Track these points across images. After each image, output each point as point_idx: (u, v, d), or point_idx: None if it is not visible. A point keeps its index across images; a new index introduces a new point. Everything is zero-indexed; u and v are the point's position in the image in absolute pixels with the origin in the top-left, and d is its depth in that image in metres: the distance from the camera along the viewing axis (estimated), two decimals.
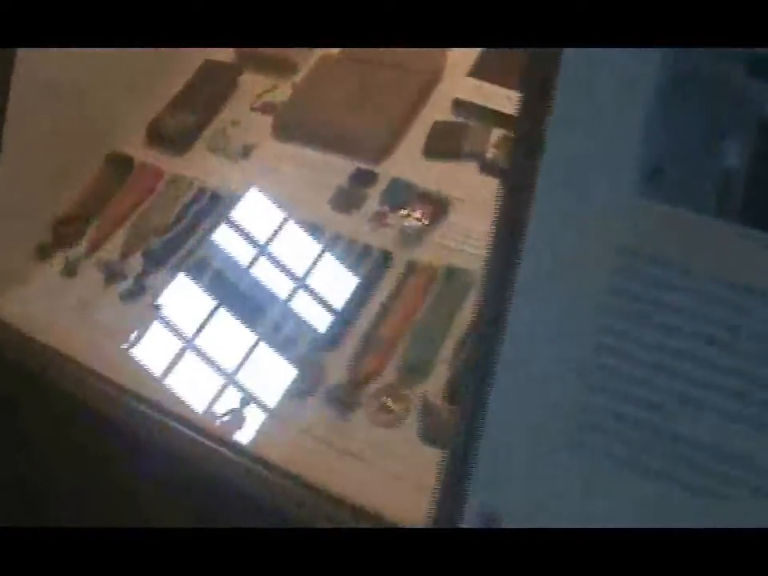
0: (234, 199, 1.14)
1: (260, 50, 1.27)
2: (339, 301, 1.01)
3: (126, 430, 1.03)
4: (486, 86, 1.17)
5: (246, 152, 1.19)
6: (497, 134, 1.11)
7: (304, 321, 1.00)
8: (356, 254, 1.04)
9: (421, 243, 1.05)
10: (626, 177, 0.70)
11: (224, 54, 1.31)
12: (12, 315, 1.13)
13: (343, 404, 0.94)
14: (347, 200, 1.10)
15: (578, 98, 0.73)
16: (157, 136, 1.23)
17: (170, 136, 1.22)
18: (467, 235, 1.05)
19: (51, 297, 1.14)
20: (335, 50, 1.25)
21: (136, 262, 1.11)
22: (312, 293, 1.02)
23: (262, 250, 1.07)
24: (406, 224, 1.05)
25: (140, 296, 1.09)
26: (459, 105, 1.16)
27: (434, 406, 0.92)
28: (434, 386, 0.94)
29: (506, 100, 1.15)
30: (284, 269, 1.05)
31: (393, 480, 0.87)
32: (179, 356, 1.04)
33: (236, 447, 0.93)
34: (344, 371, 0.96)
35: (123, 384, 1.03)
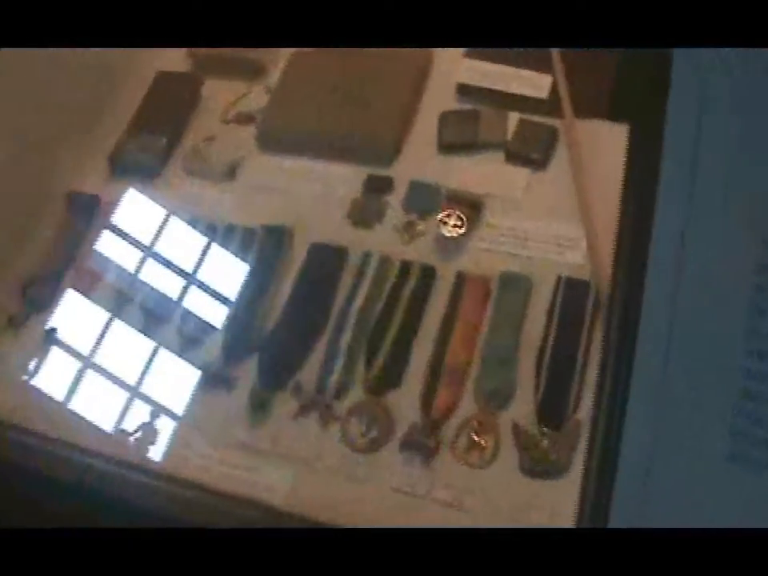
0: (230, 228, 1.00)
1: (219, 53, 1.11)
2: (390, 330, 0.89)
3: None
4: (487, 65, 1.06)
5: (231, 171, 1.03)
6: (513, 117, 1.03)
7: (354, 362, 0.88)
8: (394, 273, 0.92)
9: (463, 250, 0.93)
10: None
11: (177, 62, 1.15)
12: None
13: (423, 448, 0.83)
14: (366, 213, 0.97)
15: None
16: (122, 166, 1.06)
17: (137, 163, 1.04)
18: (510, 235, 0.94)
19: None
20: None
21: None
22: (358, 325, 0.89)
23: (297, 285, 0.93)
24: (444, 232, 0.94)
25: None
26: (463, 90, 1.04)
27: (529, 433, 0.83)
28: (521, 408, 0.84)
29: (512, 79, 1.05)
30: (320, 300, 0.91)
31: (511, 522, 0.78)
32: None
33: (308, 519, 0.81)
34: (413, 411, 0.85)
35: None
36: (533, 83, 1.03)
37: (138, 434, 0.88)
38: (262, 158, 1.04)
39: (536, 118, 1.00)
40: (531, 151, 0.97)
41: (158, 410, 0.89)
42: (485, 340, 0.87)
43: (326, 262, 0.94)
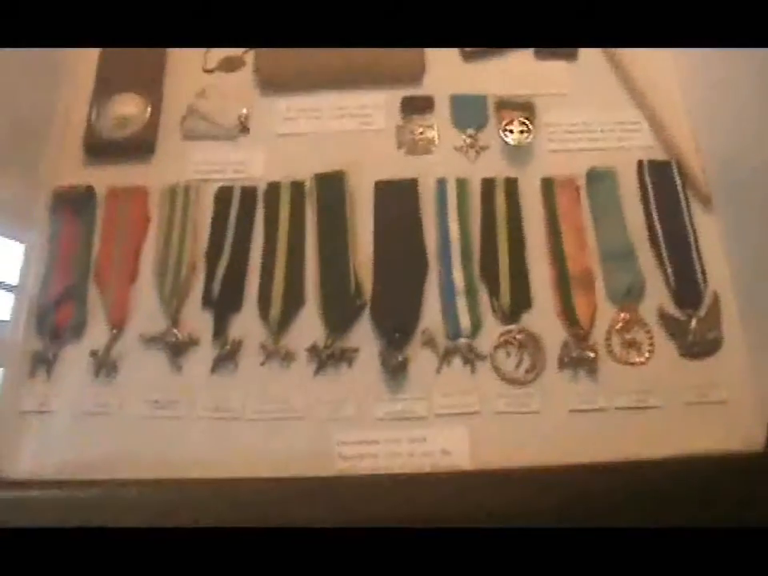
0: (273, 186, 0.85)
1: None
2: (501, 252, 0.81)
3: None
4: None
5: (243, 124, 0.89)
6: None
7: (476, 294, 0.80)
8: (478, 193, 0.85)
9: (533, 155, 0.88)
10: None
11: None
12: None
13: (584, 362, 0.77)
14: (416, 137, 0.88)
15: None
16: (102, 147, 0.86)
17: (123, 139, 0.86)
18: (574, 131, 0.89)
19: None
20: None
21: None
22: (464, 255, 0.81)
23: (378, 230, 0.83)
24: (510, 141, 0.87)
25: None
26: None
27: (678, 318, 0.81)
28: (654, 297, 0.81)
29: None
30: (411, 239, 0.81)
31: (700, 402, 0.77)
32: None
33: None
34: (554, 328, 0.79)
35: None
36: None
37: None
38: (271, 103, 0.90)
39: None
40: None
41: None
42: (598, 240, 0.83)
43: (398, 198, 0.85)
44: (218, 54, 0.93)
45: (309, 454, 0.74)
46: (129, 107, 0.88)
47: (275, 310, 0.80)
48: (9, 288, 0.81)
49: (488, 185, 0.86)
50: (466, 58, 0.93)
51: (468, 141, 0.88)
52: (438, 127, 0.90)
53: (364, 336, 0.80)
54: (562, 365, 0.78)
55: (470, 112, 0.90)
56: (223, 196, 0.86)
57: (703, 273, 0.83)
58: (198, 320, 0.80)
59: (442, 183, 0.86)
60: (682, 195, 0.87)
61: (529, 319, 0.81)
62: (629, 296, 0.82)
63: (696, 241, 0.84)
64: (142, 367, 0.78)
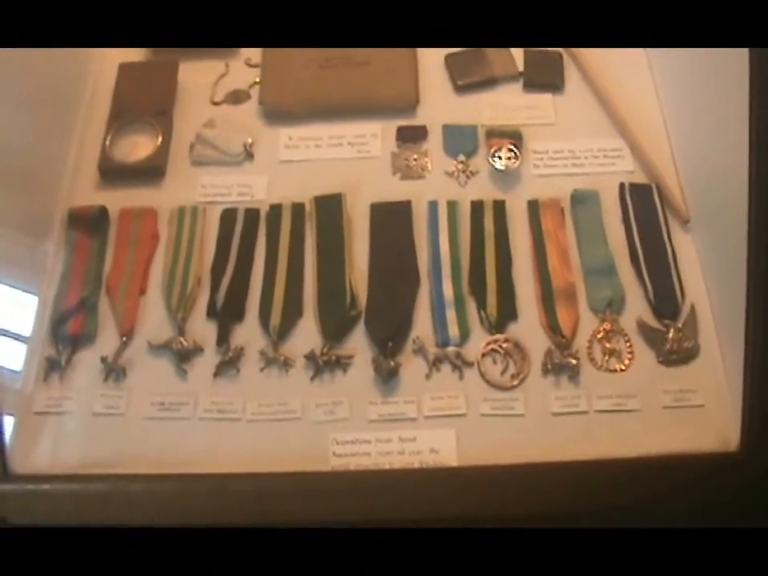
0: (276, 208, 0.97)
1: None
2: (489, 268, 0.92)
3: None
4: None
5: (249, 151, 1.01)
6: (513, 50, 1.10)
7: (465, 306, 0.91)
8: (467, 214, 0.95)
9: (520, 180, 0.99)
10: None
11: (134, 52, 1.09)
12: None
13: (567, 368, 0.87)
14: (410, 163, 1.00)
15: None
16: (116, 171, 0.99)
17: (135, 164, 0.98)
18: (559, 157, 1.01)
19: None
20: None
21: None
22: (454, 271, 0.91)
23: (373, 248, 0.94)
24: (499, 166, 0.99)
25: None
26: None
27: (656, 328, 0.90)
28: (633, 310, 0.91)
29: None
30: (404, 256, 0.92)
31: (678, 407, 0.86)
32: None
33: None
34: (538, 337, 0.89)
35: None
36: None
37: None
38: (274, 132, 1.03)
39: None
40: (548, 78, 1.06)
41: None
42: (581, 257, 0.94)
43: (392, 219, 0.96)
44: (226, 87, 1.07)
45: (305, 452, 0.84)
46: (141, 135, 1.01)
47: (275, 320, 0.91)
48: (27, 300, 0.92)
49: (477, 206, 0.98)
50: (458, 90, 1.07)
51: (459, 166, 1.00)
52: (431, 154, 1.02)
53: (358, 344, 0.90)
54: (545, 371, 0.88)
55: (461, 140, 1.02)
56: (228, 217, 0.97)
57: (681, 287, 0.93)
58: (202, 329, 0.91)
59: (433, 205, 0.97)
60: (661, 216, 0.97)
61: (514, 329, 0.91)
62: (610, 307, 0.92)
63: (674, 257, 0.95)
64: (150, 372, 0.89)
